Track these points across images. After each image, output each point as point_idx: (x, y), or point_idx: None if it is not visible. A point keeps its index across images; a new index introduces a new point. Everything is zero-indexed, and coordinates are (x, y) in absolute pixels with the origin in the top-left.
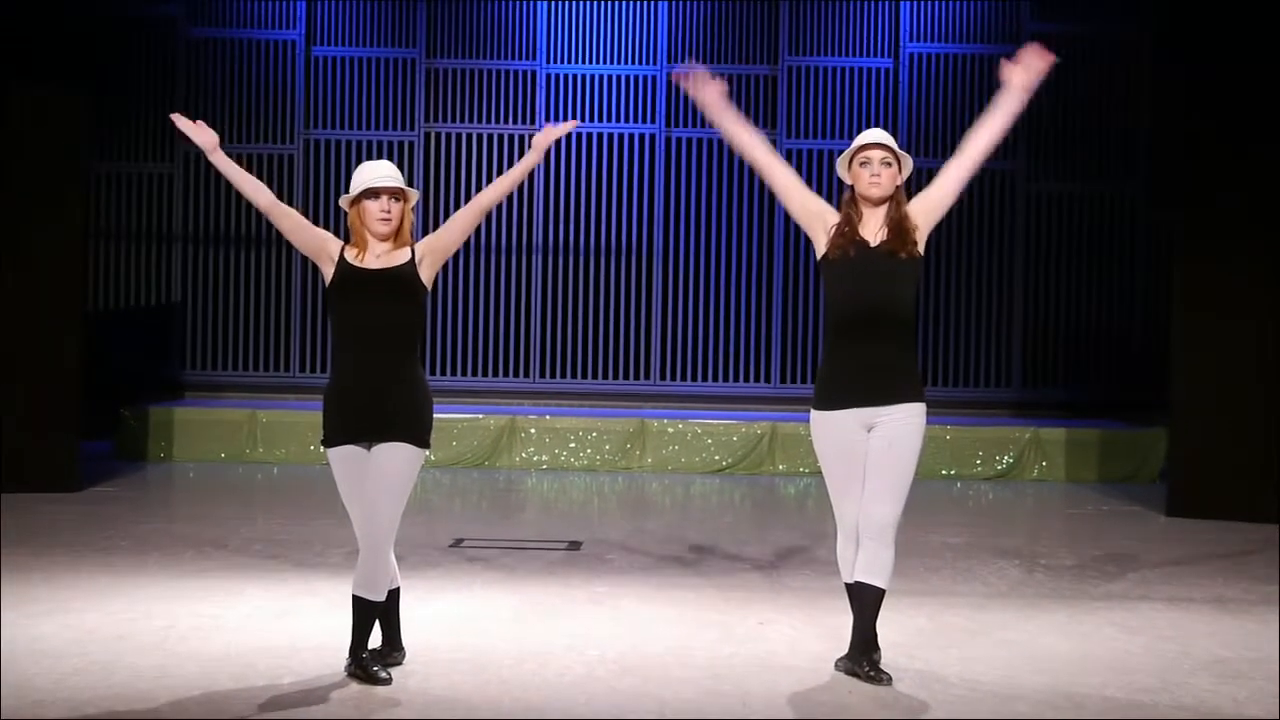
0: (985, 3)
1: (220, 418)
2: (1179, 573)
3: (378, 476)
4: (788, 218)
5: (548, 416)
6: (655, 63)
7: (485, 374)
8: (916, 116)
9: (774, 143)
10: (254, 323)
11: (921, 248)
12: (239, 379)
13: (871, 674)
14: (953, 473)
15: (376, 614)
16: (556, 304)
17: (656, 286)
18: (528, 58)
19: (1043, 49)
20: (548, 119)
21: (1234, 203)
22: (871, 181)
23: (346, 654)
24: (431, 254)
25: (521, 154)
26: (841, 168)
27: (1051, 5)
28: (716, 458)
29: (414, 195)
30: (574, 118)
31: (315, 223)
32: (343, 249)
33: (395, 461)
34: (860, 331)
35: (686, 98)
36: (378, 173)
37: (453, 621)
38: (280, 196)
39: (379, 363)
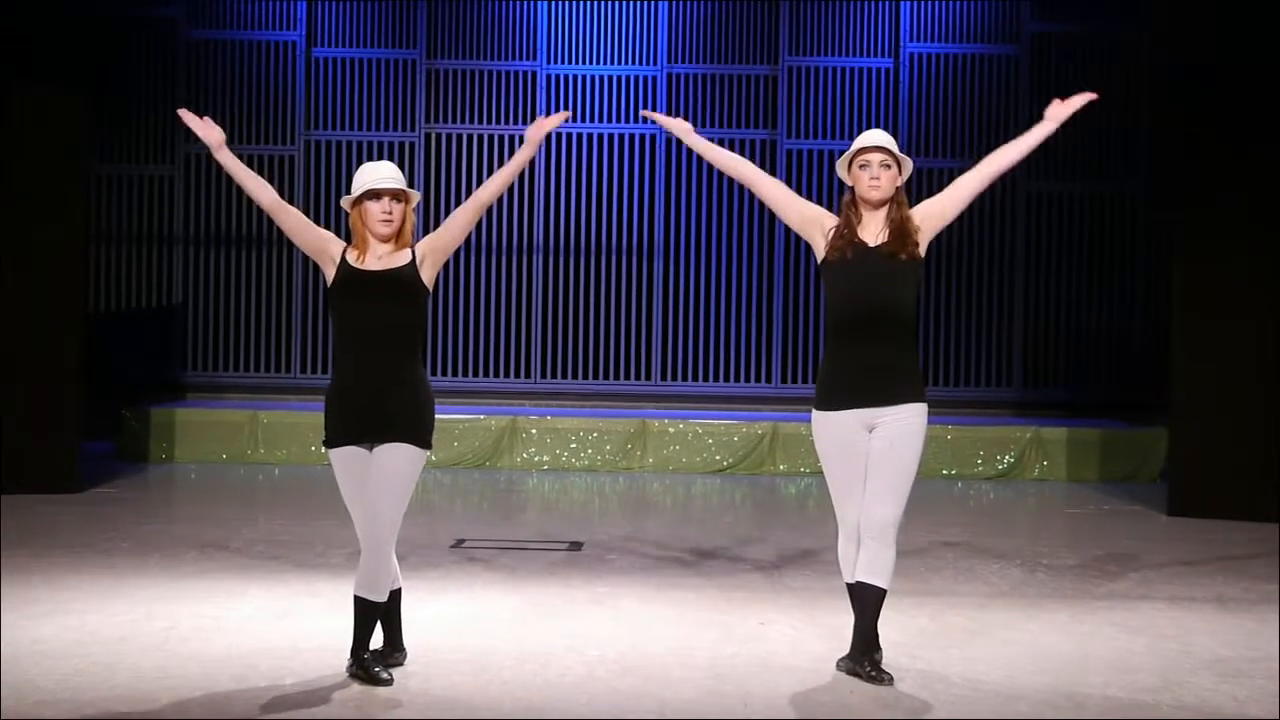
0: (985, 3)
1: (221, 419)
2: (1180, 572)
3: (379, 477)
4: (787, 224)
5: (549, 417)
6: (655, 63)
7: (486, 374)
8: (916, 117)
9: (774, 144)
10: (255, 324)
11: (922, 250)
12: (240, 380)
13: (873, 674)
14: (954, 472)
15: (378, 615)
16: (557, 304)
17: (657, 287)
18: (528, 58)
19: (1092, 94)
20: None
21: (1234, 203)
22: (871, 184)
23: (348, 655)
24: (432, 254)
25: None
26: (841, 170)
27: (1051, 5)
28: (717, 458)
29: (415, 196)
30: (574, 118)
31: (316, 224)
32: (344, 250)
33: (397, 462)
34: (861, 332)
35: (687, 98)
36: (379, 174)
37: (454, 622)
38: (281, 197)
39: (380, 363)
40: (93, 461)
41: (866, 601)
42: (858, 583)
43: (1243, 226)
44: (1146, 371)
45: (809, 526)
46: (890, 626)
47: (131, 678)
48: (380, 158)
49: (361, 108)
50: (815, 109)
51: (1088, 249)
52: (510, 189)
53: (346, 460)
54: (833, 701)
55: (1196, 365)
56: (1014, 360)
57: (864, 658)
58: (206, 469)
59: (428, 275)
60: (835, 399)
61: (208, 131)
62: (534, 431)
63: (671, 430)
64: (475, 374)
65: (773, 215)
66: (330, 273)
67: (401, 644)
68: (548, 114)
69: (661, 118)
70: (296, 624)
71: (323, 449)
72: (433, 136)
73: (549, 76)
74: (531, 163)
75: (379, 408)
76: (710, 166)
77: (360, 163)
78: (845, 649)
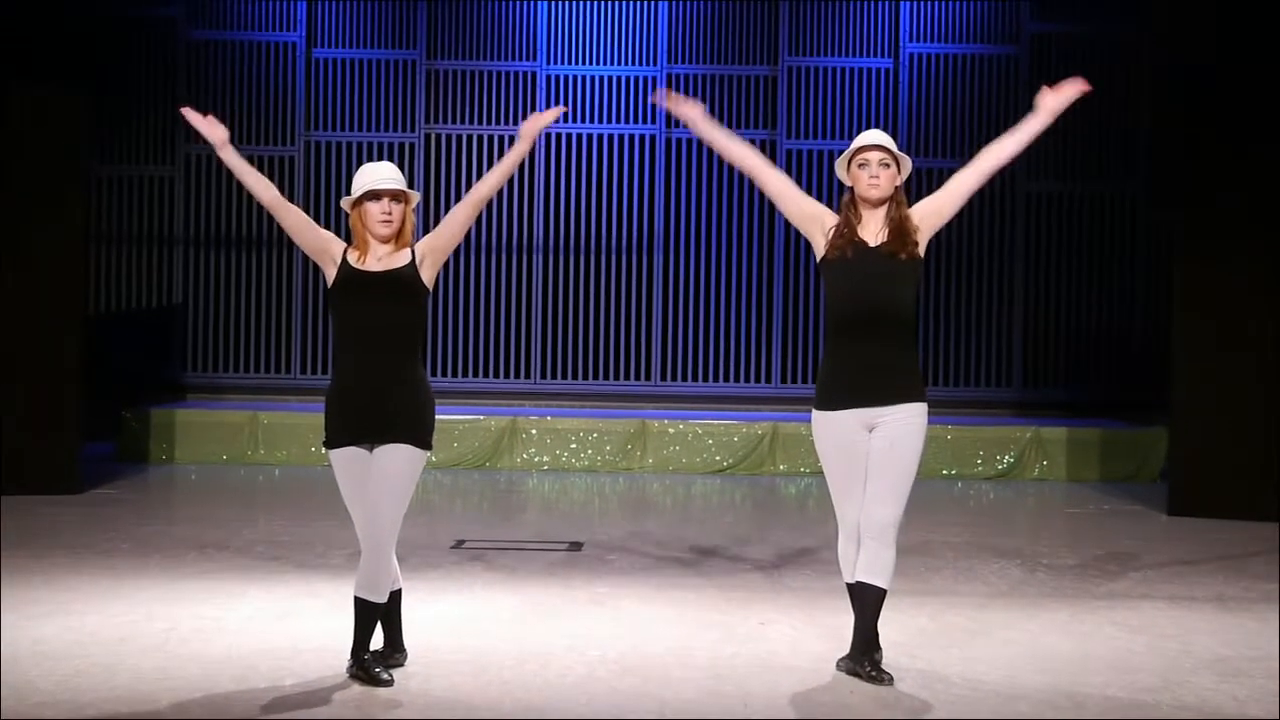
0: (985, 3)
1: (221, 419)
2: (1180, 572)
3: (380, 478)
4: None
5: (548, 417)
6: (655, 64)
7: (486, 375)
8: (916, 117)
9: (774, 144)
10: (255, 325)
11: (922, 249)
12: (240, 381)
13: (873, 674)
14: (954, 472)
15: (378, 615)
16: (557, 305)
17: (657, 287)
18: (528, 59)
19: (1084, 82)
20: None
21: (1234, 203)
22: (870, 183)
23: (348, 655)
24: (431, 253)
25: None
26: (840, 169)
27: (1051, 5)
28: (717, 458)
29: (415, 197)
30: (574, 119)
31: (317, 224)
32: (345, 250)
33: (397, 463)
34: (860, 332)
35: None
36: (379, 174)
37: (454, 623)
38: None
39: (380, 364)
40: (93, 462)
41: (866, 601)
42: (858, 583)
43: (1243, 226)
44: (1146, 371)
45: (809, 526)
46: (890, 626)
47: (132, 679)
48: (380, 158)
49: (361, 108)
50: (815, 109)
51: (1088, 249)
52: (510, 190)
53: (347, 461)
54: (833, 701)
55: (1196, 365)
56: (1014, 360)
57: (864, 658)
58: (207, 470)
59: (428, 275)
60: (835, 399)
61: (211, 129)
62: (534, 432)
63: (671, 430)
64: (475, 374)
65: (772, 215)
66: (331, 273)
67: (402, 645)
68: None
69: (675, 99)
70: (297, 625)
71: (323, 450)
72: (433, 137)
73: (549, 77)
74: (531, 163)
75: (379, 408)
76: (708, 167)
77: (360, 163)
78: (845, 649)
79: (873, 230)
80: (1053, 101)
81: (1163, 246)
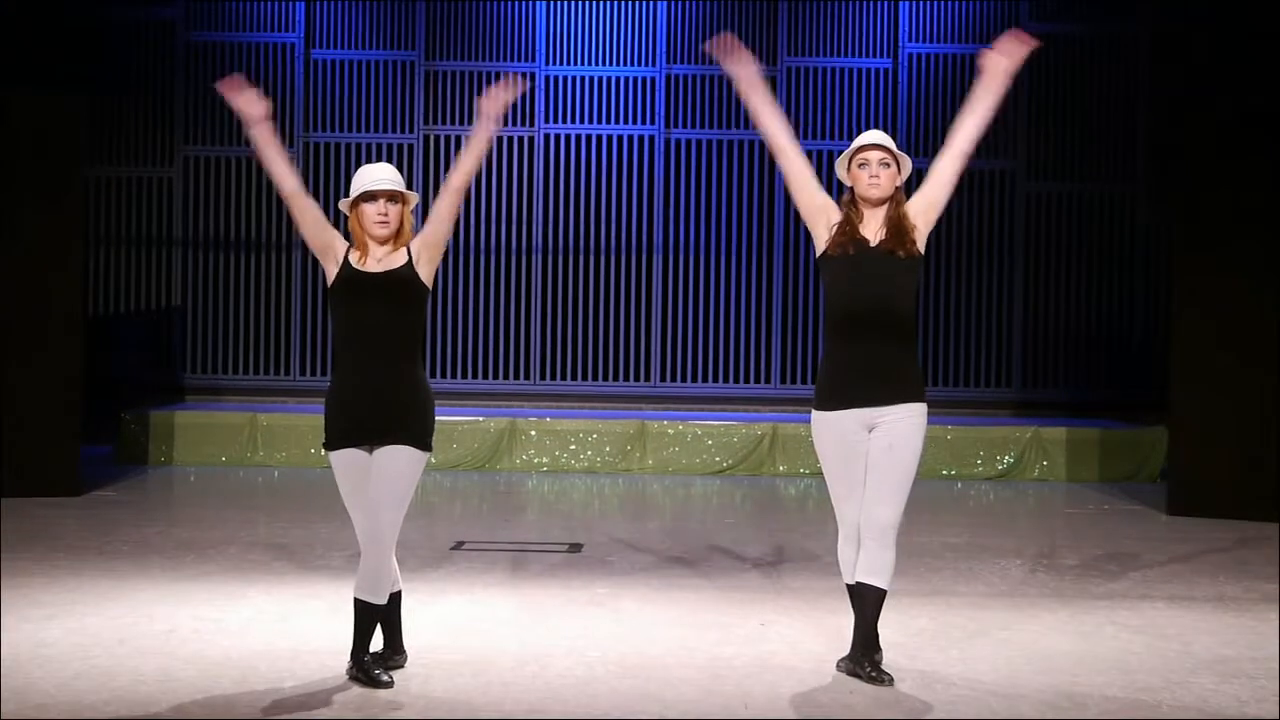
0: (985, 3)
1: (221, 421)
2: (1180, 572)
3: (380, 479)
4: (787, 219)
5: (548, 418)
6: (654, 64)
7: (485, 376)
8: (916, 117)
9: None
10: (254, 326)
11: (921, 246)
12: (239, 382)
13: (873, 674)
14: (953, 473)
15: (378, 617)
16: (556, 306)
17: (656, 288)
18: (527, 60)
19: (1023, 34)
20: (547, 121)
21: (1233, 203)
22: (870, 183)
23: (348, 657)
24: (426, 249)
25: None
26: (840, 169)
27: (1051, 5)
28: (717, 459)
29: (413, 198)
30: (574, 120)
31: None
32: (347, 250)
33: (397, 464)
34: (860, 331)
35: (685, 99)
36: (375, 176)
37: (454, 624)
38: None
39: (380, 366)
40: (92, 464)
41: (866, 602)
42: (858, 583)
43: (1242, 226)
44: (1146, 371)
45: (809, 527)
46: (890, 627)
47: (132, 680)
48: (379, 159)
49: (360, 109)
50: (814, 109)
51: (1087, 249)
52: (510, 190)
53: (346, 463)
54: (833, 701)
55: (1196, 365)
56: (1014, 360)
57: (864, 658)
58: (206, 471)
59: (426, 272)
60: (834, 399)
61: (250, 105)
62: (533, 433)
63: (671, 431)
64: (474, 376)
65: (772, 216)
66: (332, 272)
67: (402, 646)
68: (547, 116)
69: (730, 50)
70: (297, 626)
71: (322, 451)
72: (431, 138)
73: (547, 78)
74: (531, 164)
75: (379, 410)
76: (708, 167)
77: (359, 165)
78: (845, 649)
79: (873, 229)
80: (997, 63)
81: (1162, 246)
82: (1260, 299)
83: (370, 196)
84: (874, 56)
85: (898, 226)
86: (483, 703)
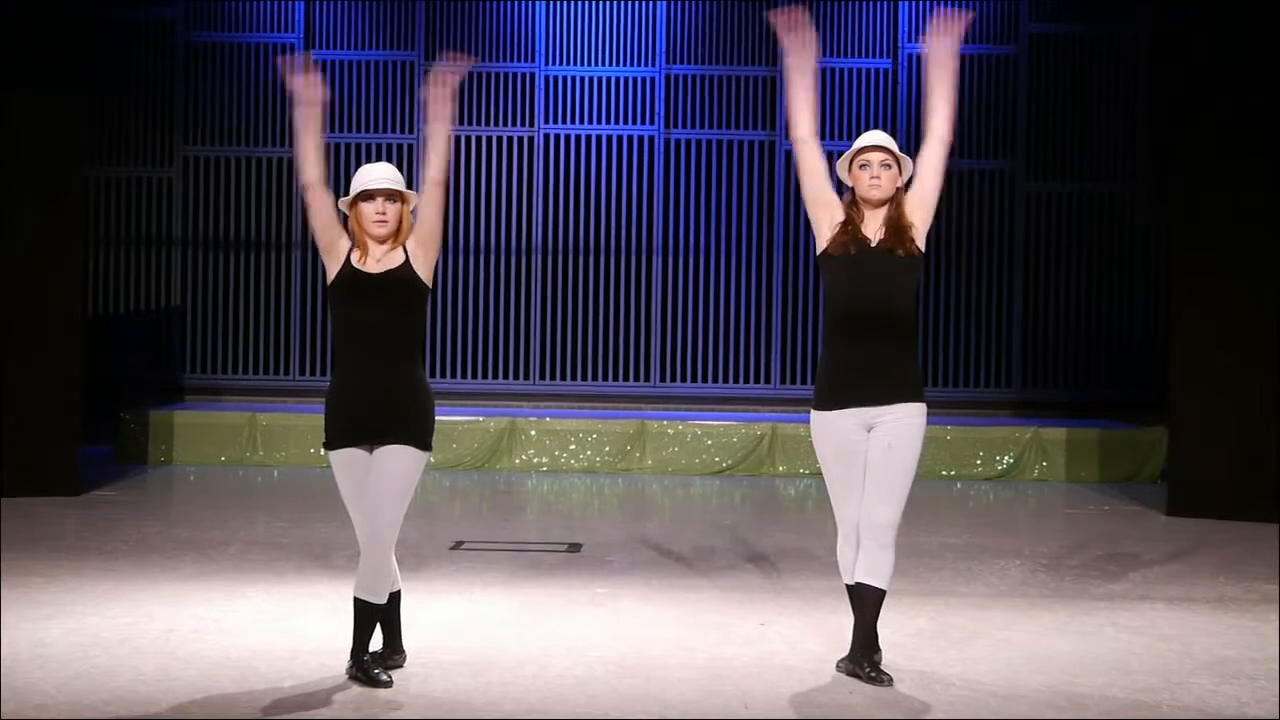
0: (984, 3)
1: (220, 421)
2: (1180, 572)
3: (379, 479)
4: (787, 219)
5: (548, 418)
6: (654, 64)
7: (485, 376)
8: (916, 117)
9: (773, 144)
10: (253, 326)
11: (921, 244)
12: (239, 382)
13: (873, 675)
14: (953, 473)
15: (378, 617)
16: (556, 306)
17: (656, 288)
18: (526, 60)
19: (953, 13)
20: (547, 121)
21: (1233, 203)
22: (871, 184)
23: (348, 657)
24: (420, 246)
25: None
26: (841, 170)
27: (1051, 5)
28: (716, 459)
29: (413, 198)
30: (574, 120)
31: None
32: (350, 249)
33: (397, 464)
34: (860, 330)
35: (685, 99)
36: (373, 175)
37: (454, 624)
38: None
39: (380, 365)
40: (92, 464)
41: (866, 602)
42: (857, 584)
43: (1242, 226)
44: (1146, 371)
45: (809, 527)
46: (890, 627)
47: (131, 680)
48: (378, 160)
49: (359, 110)
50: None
51: (1087, 249)
52: (509, 191)
53: (346, 462)
54: (832, 702)
55: (1196, 365)
56: (1014, 360)
57: (864, 659)
58: (205, 471)
59: (424, 270)
60: (833, 399)
61: (310, 90)
62: (533, 433)
63: (670, 431)
64: (474, 376)
65: (771, 216)
66: (333, 271)
67: (401, 646)
68: (547, 116)
69: (792, 24)
70: (296, 626)
71: (322, 451)
72: None
73: (547, 78)
74: (530, 164)
75: (379, 409)
76: (707, 167)
77: (359, 164)
78: (845, 649)
79: (873, 230)
80: (941, 45)
81: (1162, 246)
82: (1260, 299)
83: (368, 196)
84: (874, 57)
85: (896, 225)
86: (482, 702)
